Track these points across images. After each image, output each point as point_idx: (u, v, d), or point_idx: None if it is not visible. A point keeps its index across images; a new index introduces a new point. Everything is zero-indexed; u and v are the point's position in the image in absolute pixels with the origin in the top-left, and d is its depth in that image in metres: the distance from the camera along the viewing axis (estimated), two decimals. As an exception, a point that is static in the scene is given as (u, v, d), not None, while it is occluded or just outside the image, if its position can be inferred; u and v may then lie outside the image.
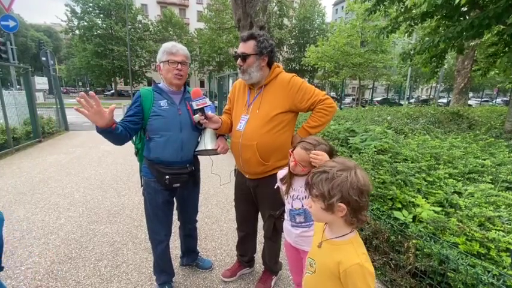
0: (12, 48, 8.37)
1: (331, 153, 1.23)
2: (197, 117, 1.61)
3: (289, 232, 1.46)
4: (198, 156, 1.83)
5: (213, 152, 1.70)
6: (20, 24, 8.90)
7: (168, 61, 1.57)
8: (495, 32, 5.99)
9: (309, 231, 1.37)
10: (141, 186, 1.75)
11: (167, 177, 1.61)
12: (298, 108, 1.60)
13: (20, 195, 3.52)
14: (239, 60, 1.58)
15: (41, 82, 8.37)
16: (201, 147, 1.70)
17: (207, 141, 1.67)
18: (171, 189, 1.69)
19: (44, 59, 9.29)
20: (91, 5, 28.01)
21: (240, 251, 2.08)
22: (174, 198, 1.83)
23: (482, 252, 1.61)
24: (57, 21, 29.97)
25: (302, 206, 1.34)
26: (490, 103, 26.25)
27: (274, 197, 1.64)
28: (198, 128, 1.70)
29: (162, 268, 1.86)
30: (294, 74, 1.63)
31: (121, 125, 1.51)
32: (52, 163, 5.03)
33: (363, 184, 0.86)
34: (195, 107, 1.52)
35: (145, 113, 1.58)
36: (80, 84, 42.14)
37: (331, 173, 0.88)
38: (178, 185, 1.67)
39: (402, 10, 5.99)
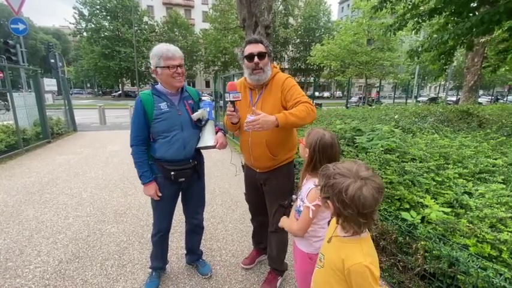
0: (22, 51, 8.52)
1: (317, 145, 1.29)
2: (195, 115, 1.75)
3: None
4: (201, 151, 1.92)
5: (212, 147, 1.81)
6: (30, 27, 9.07)
7: (167, 67, 1.62)
8: (506, 27, 5.82)
9: None
10: None
11: (172, 173, 1.73)
12: (285, 106, 1.67)
13: (30, 194, 3.58)
14: (256, 58, 1.62)
15: (49, 84, 8.51)
16: (201, 143, 1.82)
17: (207, 138, 1.81)
18: (176, 183, 1.79)
19: (52, 61, 9.47)
20: (98, 7, 28.45)
21: (256, 240, 2.21)
22: (180, 194, 1.92)
23: (494, 254, 1.56)
24: (65, 23, 30.51)
25: (300, 205, 1.39)
26: (501, 101, 25.64)
27: (283, 187, 1.79)
28: (198, 126, 1.81)
29: (156, 255, 1.97)
30: (289, 76, 1.73)
31: (141, 143, 1.69)
32: (61, 163, 5.12)
33: (358, 200, 0.81)
34: (232, 99, 1.58)
35: (149, 117, 1.67)
36: (88, 85, 42.80)
37: (332, 172, 0.90)
38: (183, 179, 1.79)
39: (409, 7, 5.89)
